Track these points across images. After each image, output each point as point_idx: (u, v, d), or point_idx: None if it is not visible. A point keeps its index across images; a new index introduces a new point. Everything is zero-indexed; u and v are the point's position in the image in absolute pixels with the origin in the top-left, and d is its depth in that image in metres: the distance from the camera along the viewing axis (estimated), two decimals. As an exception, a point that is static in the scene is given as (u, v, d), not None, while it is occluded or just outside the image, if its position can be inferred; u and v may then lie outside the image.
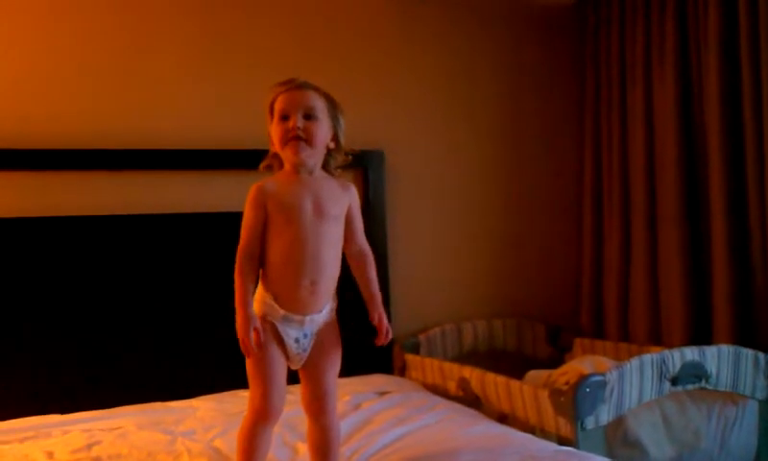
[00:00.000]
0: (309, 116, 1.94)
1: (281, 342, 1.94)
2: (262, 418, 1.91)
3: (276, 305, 1.92)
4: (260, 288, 1.95)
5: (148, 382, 2.91)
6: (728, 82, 2.87)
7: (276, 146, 1.95)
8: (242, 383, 2.93)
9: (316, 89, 2.00)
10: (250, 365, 1.93)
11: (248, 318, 1.85)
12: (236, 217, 3.02)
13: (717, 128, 2.88)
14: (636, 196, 3.26)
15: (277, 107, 1.95)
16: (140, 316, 2.94)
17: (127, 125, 3.00)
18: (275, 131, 1.94)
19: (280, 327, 1.93)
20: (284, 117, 1.93)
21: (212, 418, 2.62)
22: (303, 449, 2.21)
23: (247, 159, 3.04)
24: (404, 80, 3.47)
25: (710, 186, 2.92)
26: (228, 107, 3.15)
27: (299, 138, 1.91)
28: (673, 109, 3.07)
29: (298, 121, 1.91)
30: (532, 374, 2.95)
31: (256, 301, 1.93)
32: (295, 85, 1.97)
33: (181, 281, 3.02)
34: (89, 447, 2.32)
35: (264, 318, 1.92)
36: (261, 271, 1.94)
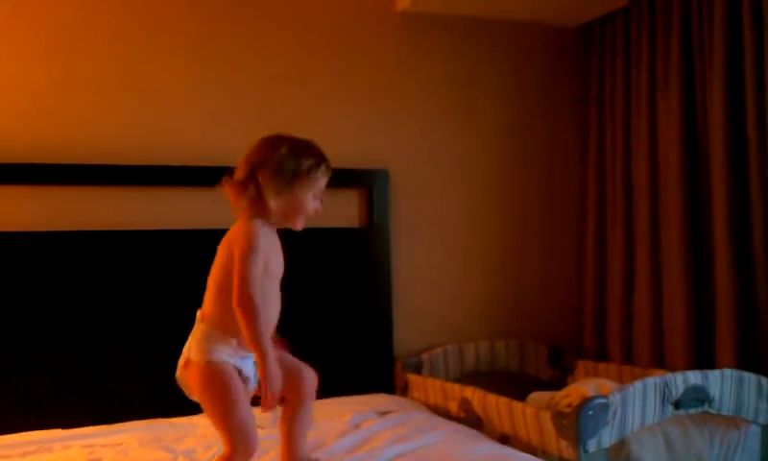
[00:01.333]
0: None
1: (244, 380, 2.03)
2: (246, 456, 1.97)
3: (239, 348, 2.01)
4: (216, 333, 2.01)
5: (149, 398, 2.91)
6: (732, 107, 2.88)
7: (292, 210, 2.10)
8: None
9: None
10: (224, 408, 1.98)
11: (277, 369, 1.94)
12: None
13: (721, 153, 2.89)
14: (639, 219, 3.27)
15: (317, 184, 2.10)
16: (142, 332, 2.94)
17: (128, 141, 3.01)
18: (304, 200, 2.09)
19: (241, 366, 2.01)
20: (317, 197, 2.13)
21: (213, 435, 2.60)
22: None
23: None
24: (409, 99, 3.49)
25: (714, 210, 2.92)
26: (232, 123, 3.16)
27: None
28: (677, 133, 3.08)
29: (319, 207, 2.16)
30: (534, 395, 2.94)
31: (209, 348, 2.00)
32: (331, 172, 2.15)
33: (184, 298, 3.01)
34: (90, 462, 2.32)
35: (226, 362, 1.99)
36: (218, 315, 2.02)
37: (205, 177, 3.07)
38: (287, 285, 3.13)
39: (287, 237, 3.14)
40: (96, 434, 2.60)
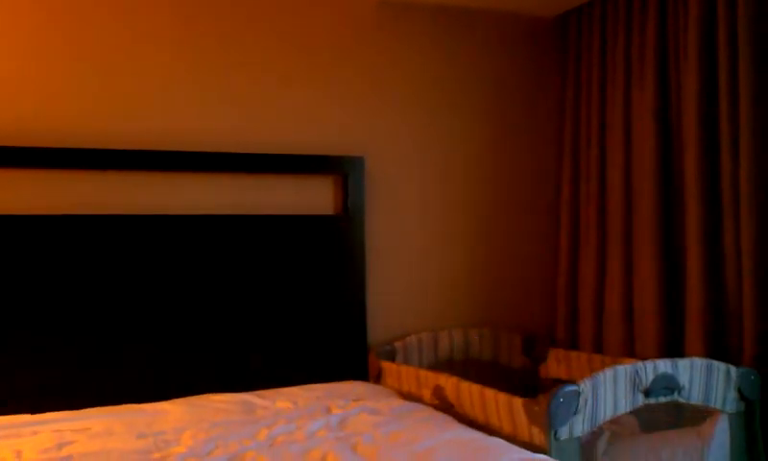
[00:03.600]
0: None
1: None
2: None
3: None
4: None
5: (119, 385, 2.89)
6: (706, 95, 2.91)
7: None
8: (214, 388, 2.96)
9: None
10: None
11: None
12: (225, 220, 3.04)
13: (694, 145, 2.91)
14: (612, 210, 3.29)
15: None
16: (111, 319, 2.92)
17: (119, 125, 3.00)
18: None
19: None
20: None
21: (185, 421, 2.60)
22: None
23: (235, 163, 3.11)
24: (386, 87, 3.48)
25: (686, 202, 2.94)
26: (210, 109, 3.15)
27: None
28: (651, 123, 3.10)
29: None
30: None
31: None
32: None
33: (158, 285, 3.00)
34: (60, 446, 2.30)
35: None
36: None
37: (195, 162, 3.09)
38: (262, 272, 3.15)
39: (263, 224, 3.15)
40: (65, 419, 2.58)
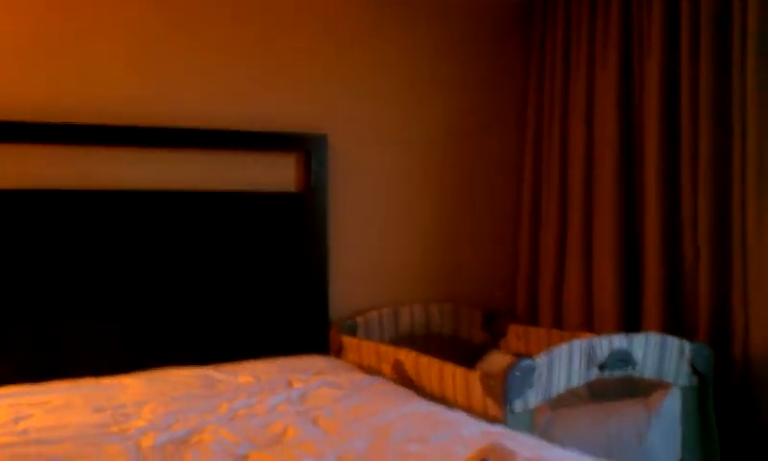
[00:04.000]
0: None
1: None
2: None
3: None
4: None
5: (78, 359, 2.88)
6: (668, 82, 2.95)
7: None
8: (175, 362, 2.96)
9: None
10: None
11: None
12: (188, 196, 3.00)
13: (655, 126, 2.95)
14: (573, 188, 3.33)
15: None
16: (70, 292, 2.90)
17: (75, 99, 2.96)
18: None
19: None
20: None
21: (145, 395, 2.59)
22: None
23: (197, 138, 3.09)
24: (351, 66, 3.47)
25: (646, 180, 2.99)
26: (178, 84, 3.13)
27: None
28: (613, 105, 3.13)
29: None
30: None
31: None
32: None
33: (119, 260, 2.98)
34: (16, 420, 2.28)
35: None
36: None
37: (158, 138, 3.07)
38: (227, 248, 3.14)
39: (224, 201, 3.14)
40: (22, 393, 2.56)
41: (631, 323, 3.07)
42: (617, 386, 2.63)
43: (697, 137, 2.82)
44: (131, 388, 2.66)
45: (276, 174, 3.32)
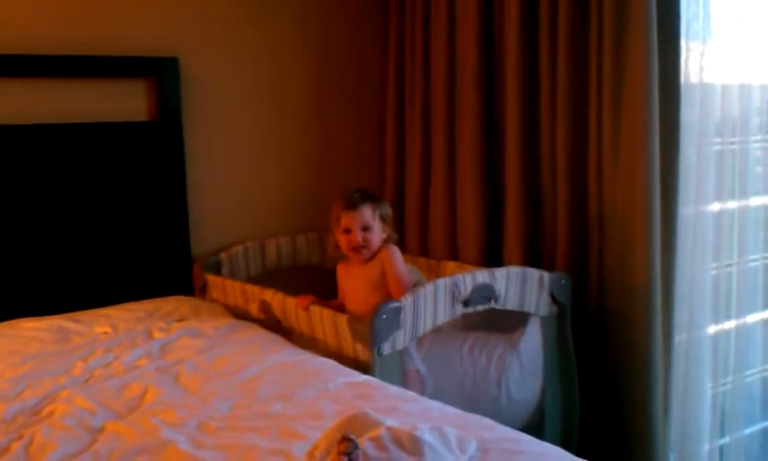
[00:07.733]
0: (366, 228, 2.65)
1: None
2: None
3: None
4: None
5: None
6: (527, 12, 2.91)
7: (342, 250, 2.71)
8: (26, 312, 2.76)
9: (366, 200, 2.67)
10: None
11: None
12: (27, 130, 2.75)
13: (514, 56, 2.92)
14: (436, 117, 3.27)
15: (342, 223, 2.67)
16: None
17: None
18: (341, 240, 2.70)
19: None
20: (346, 231, 2.67)
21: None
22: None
23: (35, 66, 2.82)
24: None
25: (506, 113, 2.98)
26: (20, 7, 2.87)
27: (360, 248, 2.65)
28: (474, 37, 3.06)
29: (357, 236, 2.65)
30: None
31: None
32: (351, 206, 2.65)
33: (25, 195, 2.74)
34: None
35: None
36: None
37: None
38: (74, 185, 2.92)
39: (68, 133, 2.90)
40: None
41: (493, 251, 3.10)
42: (485, 320, 2.69)
43: (555, 72, 2.82)
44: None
45: (127, 103, 3.12)
